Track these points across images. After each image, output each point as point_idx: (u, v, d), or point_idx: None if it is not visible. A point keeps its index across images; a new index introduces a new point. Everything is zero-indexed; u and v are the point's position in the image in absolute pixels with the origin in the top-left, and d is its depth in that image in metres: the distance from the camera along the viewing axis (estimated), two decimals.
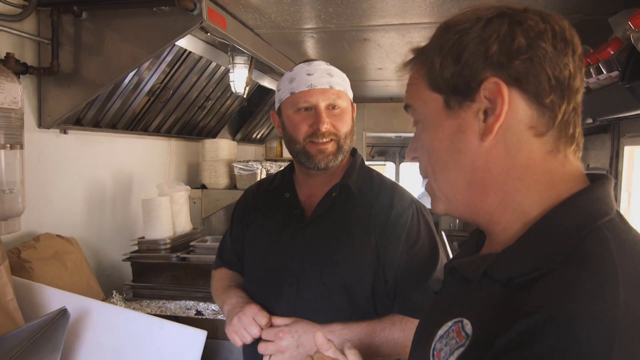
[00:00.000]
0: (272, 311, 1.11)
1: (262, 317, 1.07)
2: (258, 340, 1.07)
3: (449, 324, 0.54)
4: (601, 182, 0.53)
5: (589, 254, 0.47)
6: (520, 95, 0.51)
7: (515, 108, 0.51)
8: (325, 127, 1.11)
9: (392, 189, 1.18)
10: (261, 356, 1.07)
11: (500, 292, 0.50)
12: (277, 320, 1.08)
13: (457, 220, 4.65)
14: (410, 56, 0.61)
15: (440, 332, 0.55)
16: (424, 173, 0.61)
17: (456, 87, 0.54)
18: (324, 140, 1.12)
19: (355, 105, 1.22)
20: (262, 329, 1.07)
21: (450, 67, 0.54)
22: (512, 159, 0.52)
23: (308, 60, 1.18)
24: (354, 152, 1.25)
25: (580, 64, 0.53)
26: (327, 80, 1.13)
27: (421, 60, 0.58)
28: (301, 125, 1.13)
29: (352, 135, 1.18)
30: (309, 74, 1.13)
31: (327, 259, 1.11)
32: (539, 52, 0.50)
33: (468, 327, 0.51)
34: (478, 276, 0.53)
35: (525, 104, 0.51)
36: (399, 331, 1.06)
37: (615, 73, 1.50)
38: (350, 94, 1.20)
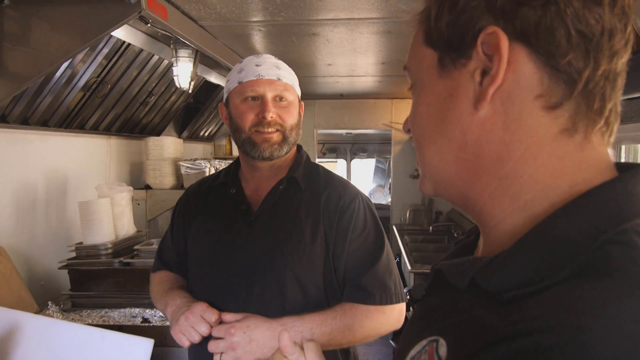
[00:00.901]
0: (221, 309, 1.09)
1: (211, 314, 1.04)
2: (206, 339, 1.03)
3: (424, 342, 0.44)
4: (634, 173, 0.41)
5: (611, 265, 0.36)
6: (527, 53, 0.40)
7: (519, 70, 0.40)
8: (270, 115, 1.12)
9: (339, 182, 1.21)
10: (209, 356, 1.03)
11: (487, 306, 0.40)
12: (227, 317, 1.05)
13: (407, 214, 4.76)
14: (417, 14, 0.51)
15: (413, 352, 0.45)
16: (414, 144, 0.52)
17: (450, 40, 0.44)
18: (270, 130, 1.13)
19: (303, 103, 1.24)
20: (211, 326, 1.03)
21: (446, 17, 0.44)
22: (511, 134, 0.41)
23: (258, 54, 1.19)
24: (299, 148, 1.27)
25: (623, 18, 0.40)
26: (275, 72, 1.14)
27: (422, 12, 0.48)
28: (247, 114, 1.14)
29: (298, 129, 1.20)
30: (257, 65, 1.15)
31: (277, 252, 1.11)
32: None
33: (443, 349, 0.41)
34: (465, 283, 0.43)
35: (533, 65, 0.40)
36: (350, 318, 1.08)
37: None
38: (298, 91, 1.21)
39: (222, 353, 1.01)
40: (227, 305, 1.09)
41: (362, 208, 1.17)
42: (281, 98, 1.15)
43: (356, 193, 1.19)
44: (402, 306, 1.14)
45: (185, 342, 1.04)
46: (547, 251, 0.38)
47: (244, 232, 1.15)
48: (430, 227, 4.25)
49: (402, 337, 0.55)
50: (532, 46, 0.39)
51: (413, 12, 0.51)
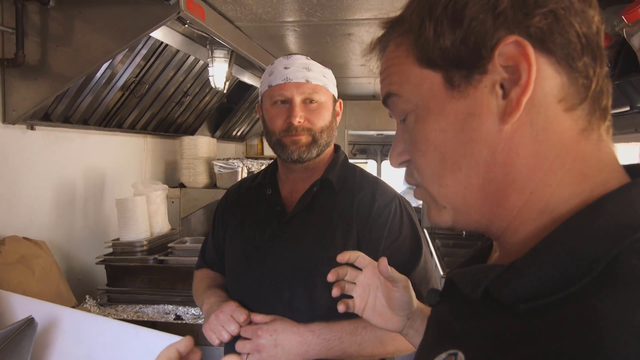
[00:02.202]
0: (251, 309, 1.08)
1: (240, 314, 1.04)
2: (238, 338, 1.03)
3: (443, 356, 0.42)
4: None
5: (631, 276, 0.33)
6: (547, 59, 0.39)
7: (542, 76, 0.39)
8: (297, 120, 1.10)
9: (375, 184, 1.17)
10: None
11: (503, 318, 0.38)
12: (256, 317, 1.05)
13: None
14: (381, 32, 0.49)
15: None
16: (415, 179, 0.48)
17: (459, 57, 0.41)
18: (295, 133, 1.12)
19: (341, 101, 1.21)
20: (240, 326, 1.03)
21: (449, 34, 0.41)
22: (540, 144, 0.40)
23: (289, 54, 1.16)
24: (337, 148, 1.24)
25: (601, 18, 0.41)
26: (304, 75, 1.12)
27: (402, 32, 0.46)
28: (276, 118, 1.13)
29: (331, 130, 1.16)
30: (286, 67, 1.13)
31: (307, 256, 1.09)
32: (563, 3, 0.39)
33: None
34: (477, 294, 0.41)
35: (554, 70, 0.39)
36: (382, 329, 1.03)
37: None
38: (333, 90, 1.18)
39: (248, 354, 1.01)
40: (257, 307, 1.09)
41: (399, 213, 1.12)
42: (311, 100, 1.12)
43: (393, 196, 1.15)
44: None
45: (215, 341, 1.04)
46: (563, 260, 0.36)
47: (276, 234, 1.13)
48: (464, 232, 4.15)
49: (420, 348, 0.54)
50: (550, 51, 0.39)
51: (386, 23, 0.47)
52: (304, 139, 1.11)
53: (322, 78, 1.14)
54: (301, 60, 1.14)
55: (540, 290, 0.36)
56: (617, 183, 0.39)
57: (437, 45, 0.42)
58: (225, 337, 1.04)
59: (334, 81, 1.19)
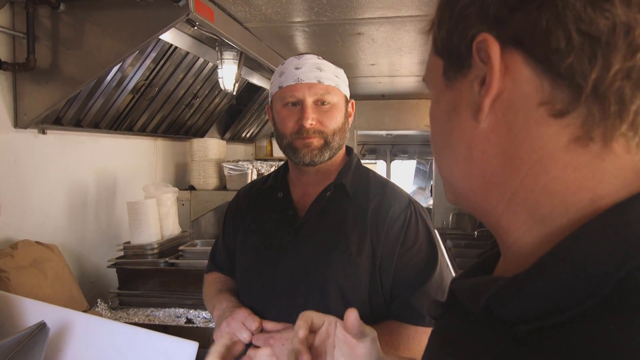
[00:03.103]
0: (263, 316, 1.06)
1: (252, 322, 1.02)
2: (249, 346, 1.01)
3: None
4: None
5: None
6: (524, 59, 0.36)
7: (517, 77, 0.37)
8: (309, 123, 1.07)
9: (389, 189, 1.14)
10: None
11: (503, 338, 0.36)
12: (269, 325, 1.03)
13: (450, 218, 4.61)
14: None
15: None
16: None
17: (451, 49, 0.41)
18: (306, 135, 1.09)
19: (353, 101, 1.18)
20: (252, 333, 1.01)
21: (445, 23, 0.41)
22: (517, 147, 0.38)
23: (300, 54, 1.14)
24: (350, 151, 1.22)
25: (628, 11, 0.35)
26: (316, 75, 1.08)
27: (432, 19, 0.46)
28: (288, 120, 1.10)
29: (344, 132, 1.14)
30: (297, 68, 1.10)
31: (321, 261, 1.06)
32: None
33: None
34: (478, 308, 0.39)
35: (531, 72, 0.36)
36: (396, 338, 1.02)
37: None
38: (346, 90, 1.15)
39: None
40: (269, 313, 1.07)
41: (415, 219, 1.09)
42: (323, 102, 1.09)
43: (408, 201, 1.12)
44: None
45: None
46: (568, 277, 0.33)
47: (289, 238, 1.11)
48: (475, 232, 4.10)
49: None
50: (527, 52, 0.36)
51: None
52: (316, 141, 1.09)
53: (335, 78, 1.11)
54: (313, 60, 1.11)
55: (543, 310, 0.33)
56: (629, 194, 0.35)
57: (439, 35, 0.42)
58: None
59: (347, 81, 1.17)
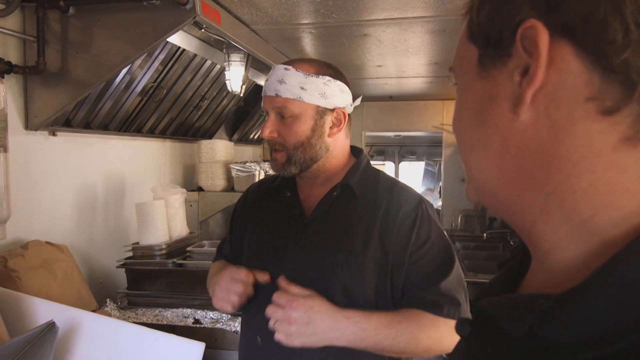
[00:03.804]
0: (269, 315, 1.06)
1: (239, 272, 1.08)
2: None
3: None
4: None
5: None
6: (574, 50, 0.34)
7: (564, 69, 0.34)
8: (266, 134, 1.09)
9: (399, 189, 1.14)
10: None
11: None
12: (295, 289, 1.02)
13: (459, 220, 4.58)
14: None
15: None
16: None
17: (489, 35, 0.38)
18: (274, 149, 1.12)
19: (345, 110, 1.12)
20: (245, 282, 1.07)
21: (487, 6, 0.38)
22: (559, 143, 0.35)
23: (280, 63, 1.11)
24: (359, 152, 1.21)
25: None
26: (275, 88, 1.07)
27: (469, 3, 0.43)
28: None
29: (311, 146, 1.08)
30: (267, 80, 1.11)
31: (326, 261, 1.07)
32: None
33: None
34: (520, 332, 0.35)
35: (580, 64, 0.34)
36: (416, 324, 1.01)
37: None
38: (319, 100, 1.07)
39: (276, 321, 1.00)
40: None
41: (426, 217, 1.09)
42: (282, 115, 1.08)
43: (419, 200, 1.11)
44: None
45: (227, 307, 1.08)
46: (631, 297, 0.30)
47: (294, 238, 1.12)
48: (484, 234, 4.07)
49: None
50: (578, 43, 0.33)
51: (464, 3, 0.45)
52: (280, 156, 1.11)
53: (297, 90, 1.05)
54: (279, 71, 1.07)
55: (603, 334, 0.30)
56: None
57: (478, 19, 0.40)
58: (235, 300, 1.06)
59: (325, 89, 1.07)
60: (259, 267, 1.15)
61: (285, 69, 1.07)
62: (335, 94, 1.09)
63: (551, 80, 0.35)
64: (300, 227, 1.12)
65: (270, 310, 1.00)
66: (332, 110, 1.10)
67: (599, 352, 0.30)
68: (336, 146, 1.14)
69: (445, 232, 1.12)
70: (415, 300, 1.04)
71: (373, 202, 1.10)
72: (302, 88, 1.06)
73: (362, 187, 1.13)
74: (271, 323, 1.00)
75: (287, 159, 1.10)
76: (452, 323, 1.03)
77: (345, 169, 1.16)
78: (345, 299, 1.04)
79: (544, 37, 0.34)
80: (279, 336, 0.98)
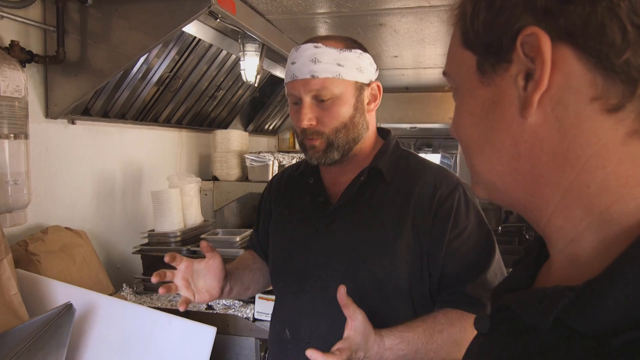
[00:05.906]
0: (298, 308, 1.04)
1: (171, 258, 1.08)
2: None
3: None
4: None
5: None
6: (575, 53, 0.35)
7: (568, 72, 0.36)
8: (305, 123, 1.00)
9: (435, 170, 1.06)
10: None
11: (586, 354, 0.33)
12: (349, 307, 0.88)
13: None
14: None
15: None
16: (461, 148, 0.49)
17: (488, 42, 0.39)
18: (312, 137, 1.02)
19: (376, 83, 1.06)
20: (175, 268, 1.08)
21: (483, 14, 0.39)
22: (570, 142, 0.37)
23: (302, 43, 1.03)
24: (387, 133, 1.13)
25: None
26: (310, 69, 0.98)
27: (459, 7, 0.45)
28: (294, 119, 1.05)
29: (354, 126, 1.02)
30: (293, 62, 1.01)
31: (355, 252, 1.01)
32: None
33: None
34: (547, 324, 0.36)
35: (583, 67, 0.35)
36: (458, 330, 0.93)
37: None
38: (356, 75, 1.01)
39: None
40: (302, 303, 1.05)
41: (464, 201, 1.00)
42: (321, 99, 0.99)
43: (456, 183, 1.02)
44: None
45: (188, 301, 1.09)
46: None
47: (320, 227, 1.06)
48: (500, 228, 4.03)
49: None
50: (579, 47, 0.35)
51: (452, 5, 0.46)
52: (319, 144, 1.01)
53: (335, 67, 0.98)
54: (309, 51, 0.99)
55: (631, 317, 0.31)
56: None
57: (473, 26, 0.41)
58: (187, 294, 1.09)
59: (360, 63, 1.01)
60: (284, 259, 1.13)
61: (316, 46, 0.99)
62: (368, 68, 1.04)
63: (556, 83, 0.36)
64: (325, 215, 1.06)
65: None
66: (368, 84, 1.04)
67: (632, 335, 0.31)
68: (372, 124, 1.07)
69: (485, 219, 1.03)
70: (456, 297, 0.97)
71: (405, 186, 1.02)
72: (339, 65, 0.98)
73: (392, 171, 1.05)
74: None
75: (327, 144, 1.01)
76: None
77: (373, 152, 1.08)
78: (376, 291, 0.99)
79: (546, 42, 0.36)
80: None
